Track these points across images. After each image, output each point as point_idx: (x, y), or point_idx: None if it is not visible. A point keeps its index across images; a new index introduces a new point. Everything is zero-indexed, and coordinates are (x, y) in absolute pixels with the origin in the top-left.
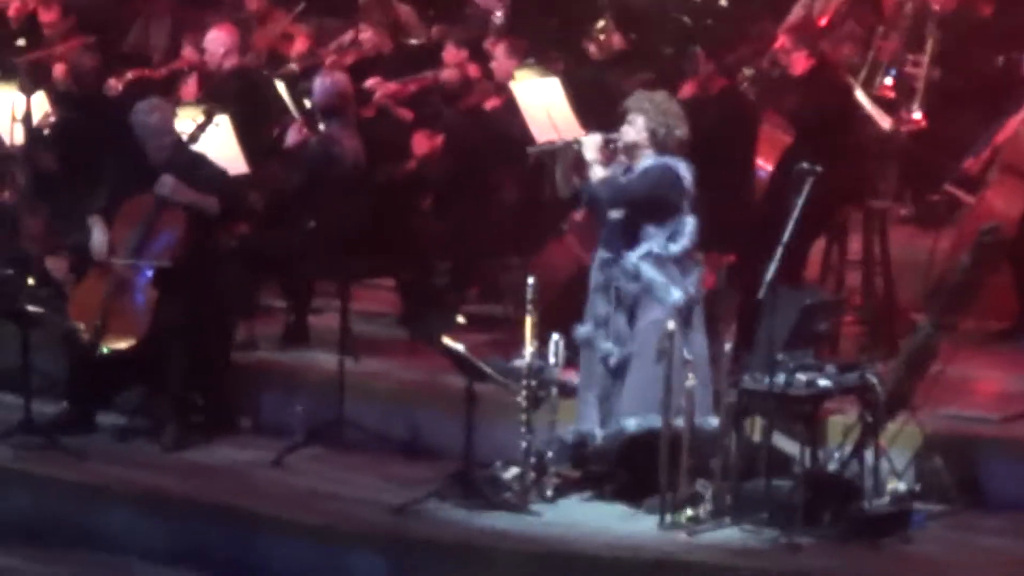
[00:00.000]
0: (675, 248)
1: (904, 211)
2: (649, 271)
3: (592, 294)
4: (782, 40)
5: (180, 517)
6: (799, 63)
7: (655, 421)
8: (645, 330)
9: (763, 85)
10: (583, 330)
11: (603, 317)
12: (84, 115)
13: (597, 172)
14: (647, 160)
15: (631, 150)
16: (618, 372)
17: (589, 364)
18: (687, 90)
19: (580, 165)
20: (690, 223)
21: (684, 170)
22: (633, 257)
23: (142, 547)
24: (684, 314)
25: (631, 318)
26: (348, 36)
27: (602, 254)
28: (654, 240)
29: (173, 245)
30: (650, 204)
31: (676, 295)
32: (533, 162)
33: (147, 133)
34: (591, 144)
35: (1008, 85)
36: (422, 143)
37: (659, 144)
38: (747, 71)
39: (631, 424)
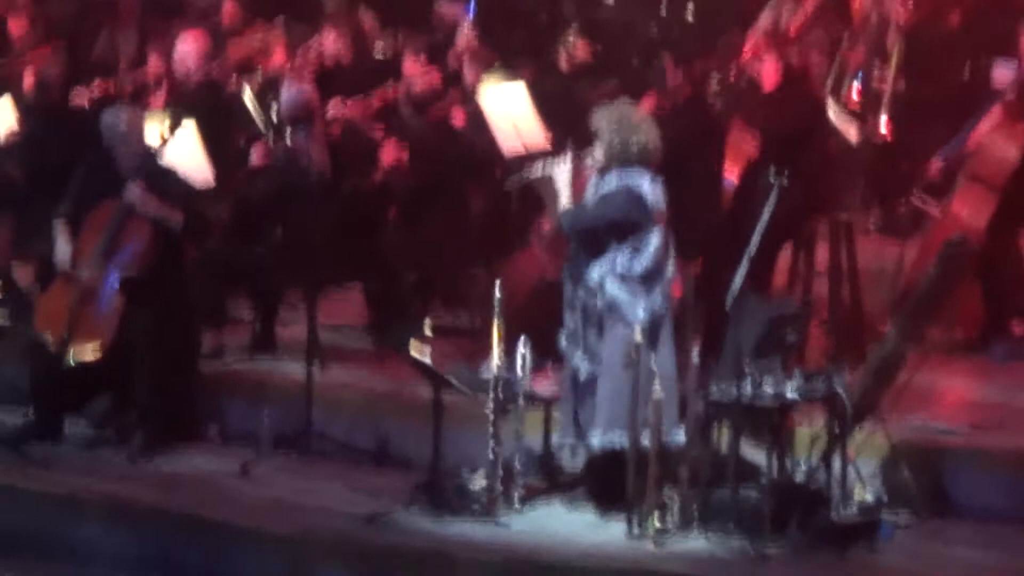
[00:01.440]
0: (638, 267)
1: (871, 221)
2: (613, 289)
3: (564, 306)
4: (752, 46)
5: (148, 527)
6: (769, 76)
7: (618, 437)
8: (610, 346)
9: (730, 95)
10: (560, 341)
11: (571, 331)
12: (50, 125)
13: (563, 202)
14: (610, 182)
15: (600, 169)
16: (587, 386)
17: (565, 375)
18: (648, 103)
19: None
20: (653, 241)
21: (647, 187)
22: (596, 275)
23: (111, 557)
24: (651, 330)
25: (601, 333)
26: (313, 44)
27: (568, 268)
28: (617, 257)
29: (139, 254)
30: (611, 226)
31: (641, 313)
32: (502, 177)
33: (117, 138)
34: (562, 172)
35: (975, 95)
36: (390, 153)
37: (619, 159)
38: (714, 82)
39: (596, 439)
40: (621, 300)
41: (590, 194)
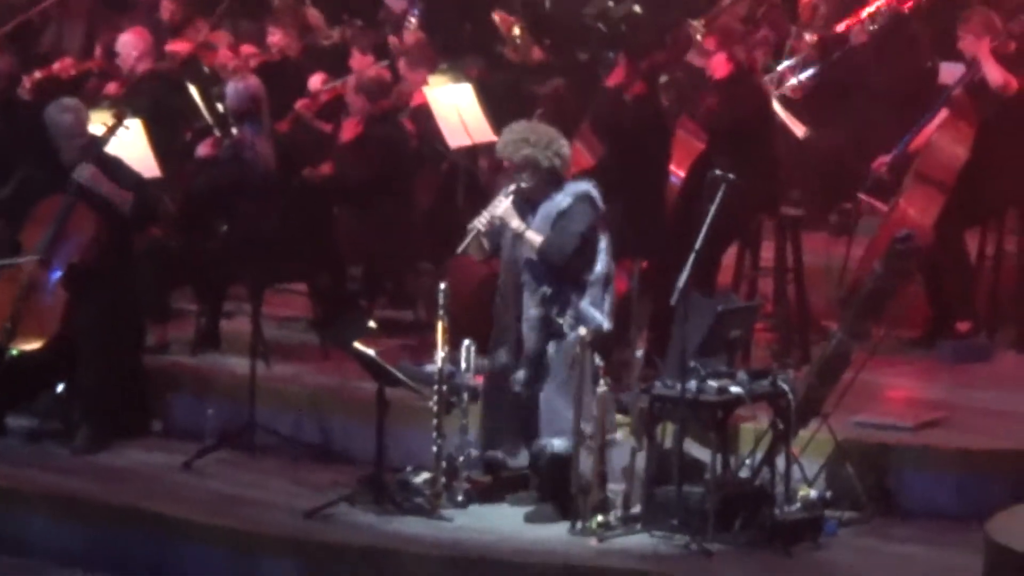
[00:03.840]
0: (598, 269)
1: (816, 217)
2: (586, 308)
3: (527, 330)
4: (708, 41)
5: (92, 521)
6: (719, 67)
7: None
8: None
9: (678, 91)
10: (499, 356)
11: (510, 345)
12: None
13: (515, 225)
14: (560, 200)
15: (532, 192)
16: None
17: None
18: (613, 79)
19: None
20: (603, 241)
21: (594, 190)
22: (555, 292)
23: (56, 551)
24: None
25: (551, 346)
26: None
27: (544, 290)
28: (578, 268)
29: (86, 244)
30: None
31: (598, 318)
32: (447, 168)
33: (60, 133)
34: (507, 211)
35: (925, 92)
36: (350, 129)
37: (557, 174)
38: (663, 77)
39: (550, 446)
40: (587, 310)
41: (538, 220)
